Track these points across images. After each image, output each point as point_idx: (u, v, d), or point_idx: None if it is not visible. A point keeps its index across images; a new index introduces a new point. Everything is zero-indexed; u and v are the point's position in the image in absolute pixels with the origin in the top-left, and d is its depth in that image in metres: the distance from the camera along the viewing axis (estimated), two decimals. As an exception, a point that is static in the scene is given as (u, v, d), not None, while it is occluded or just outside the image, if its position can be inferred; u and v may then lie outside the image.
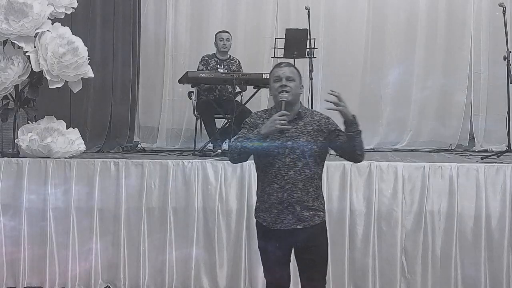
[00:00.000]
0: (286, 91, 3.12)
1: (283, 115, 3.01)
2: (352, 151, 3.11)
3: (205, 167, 4.75)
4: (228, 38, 6.38)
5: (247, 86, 6.18)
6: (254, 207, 3.31)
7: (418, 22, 7.37)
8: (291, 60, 6.42)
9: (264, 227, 3.20)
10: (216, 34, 6.46)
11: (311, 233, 3.15)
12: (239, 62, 6.51)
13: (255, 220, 3.30)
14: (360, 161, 3.21)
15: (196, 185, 4.72)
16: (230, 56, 6.48)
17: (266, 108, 3.37)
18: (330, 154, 3.39)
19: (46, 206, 4.76)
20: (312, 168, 3.14)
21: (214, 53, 6.45)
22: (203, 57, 6.45)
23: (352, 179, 4.60)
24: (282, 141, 3.11)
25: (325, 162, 3.26)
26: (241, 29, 7.45)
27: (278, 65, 3.27)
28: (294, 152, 3.10)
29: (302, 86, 3.25)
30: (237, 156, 3.15)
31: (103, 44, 6.64)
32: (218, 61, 6.39)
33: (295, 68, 3.26)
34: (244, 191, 4.68)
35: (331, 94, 3.02)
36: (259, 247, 3.30)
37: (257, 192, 3.28)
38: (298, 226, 3.13)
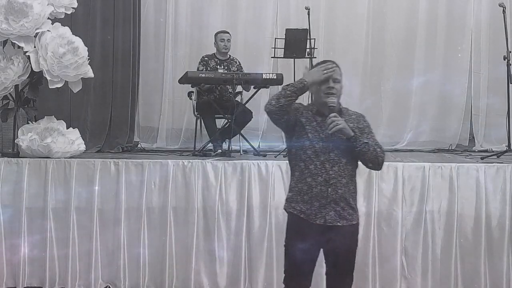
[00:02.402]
0: (333, 94, 3.08)
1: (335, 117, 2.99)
2: (364, 163, 3.13)
3: (205, 167, 4.75)
4: (229, 39, 6.36)
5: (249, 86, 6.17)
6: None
7: (418, 22, 7.37)
8: (290, 60, 6.46)
9: (300, 219, 3.09)
10: (216, 34, 6.43)
11: (348, 232, 3.11)
12: (239, 62, 6.50)
13: (285, 211, 3.19)
14: (376, 170, 3.23)
15: (196, 185, 4.72)
16: (230, 56, 6.47)
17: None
18: None
19: (46, 206, 4.76)
20: (353, 165, 3.14)
21: (214, 53, 6.43)
22: (203, 57, 6.44)
23: (352, 179, 4.60)
24: (327, 136, 3.05)
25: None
26: (241, 29, 7.45)
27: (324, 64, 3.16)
28: (338, 148, 3.06)
29: (342, 86, 3.19)
30: (283, 102, 3.02)
31: (103, 44, 6.64)
32: (218, 61, 6.38)
33: (339, 68, 3.19)
34: (244, 191, 4.68)
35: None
36: (288, 240, 3.18)
37: (291, 182, 3.17)
38: (338, 224, 3.06)
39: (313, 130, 3.09)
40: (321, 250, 3.16)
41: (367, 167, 3.16)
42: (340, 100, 3.16)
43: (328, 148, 3.06)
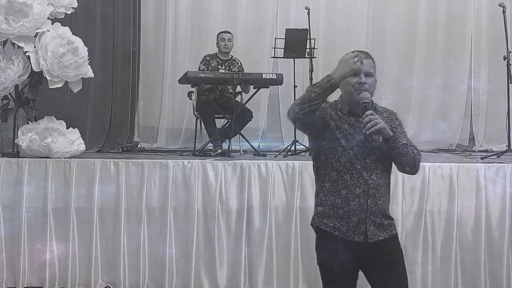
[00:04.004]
0: (365, 90, 2.64)
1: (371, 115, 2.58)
2: (401, 166, 2.76)
3: (205, 167, 4.75)
4: (229, 39, 6.38)
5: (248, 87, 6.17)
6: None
7: (418, 22, 7.38)
8: (290, 60, 6.46)
9: (334, 237, 2.68)
10: (218, 35, 6.46)
11: (390, 244, 2.75)
12: (241, 63, 6.50)
13: (314, 227, 2.77)
14: (412, 174, 2.86)
15: (196, 185, 4.72)
16: (232, 56, 6.47)
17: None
18: None
19: (46, 206, 4.75)
20: (388, 171, 2.76)
21: (216, 53, 6.44)
22: (205, 56, 6.45)
23: (352, 179, 4.59)
24: (360, 140, 2.66)
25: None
26: (241, 29, 7.46)
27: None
28: (373, 152, 2.68)
29: (376, 80, 2.75)
30: (308, 107, 2.54)
31: (103, 44, 6.65)
32: (220, 61, 6.39)
33: (373, 60, 2.73)
34: (244, 191, 4.68)
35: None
36: (322, 260, 2.75)
37: (320, 194, 2.74)
38: (380, 238, 2.69)
39: (346, 134, 2.68)
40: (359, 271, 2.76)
41: (404, 171, 2.79)
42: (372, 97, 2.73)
43: (363, 153, 2.66)
